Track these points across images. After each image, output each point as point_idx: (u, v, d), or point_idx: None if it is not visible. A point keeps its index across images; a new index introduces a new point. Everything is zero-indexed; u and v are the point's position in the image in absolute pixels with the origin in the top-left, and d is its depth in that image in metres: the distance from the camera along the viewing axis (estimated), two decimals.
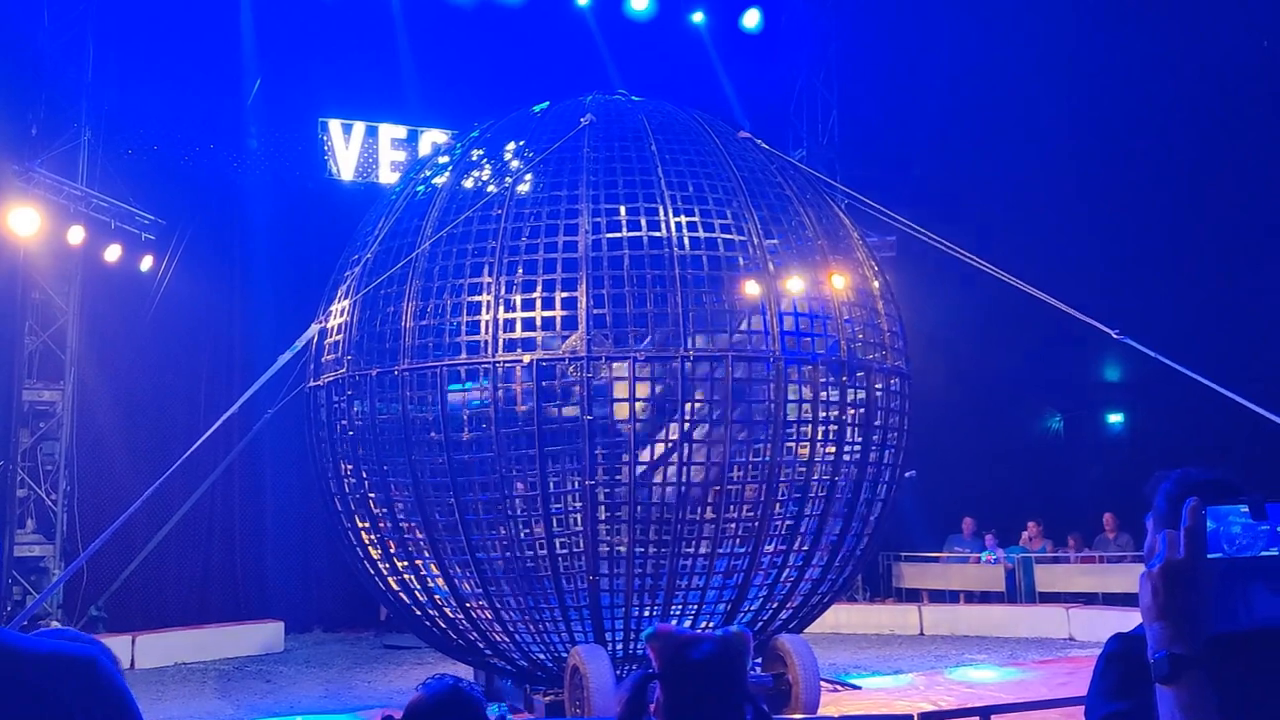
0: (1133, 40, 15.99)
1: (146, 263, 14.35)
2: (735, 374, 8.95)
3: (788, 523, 9.28)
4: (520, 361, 8.86)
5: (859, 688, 10.80)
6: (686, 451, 8.97)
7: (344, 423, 9.68)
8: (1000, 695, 10.38)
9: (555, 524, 9.07)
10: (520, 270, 9.09)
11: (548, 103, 10.57)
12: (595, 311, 8.89)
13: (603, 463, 9.17)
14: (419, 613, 9.76)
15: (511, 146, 10.24)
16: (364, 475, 9.57)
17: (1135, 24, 16.00)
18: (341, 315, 9.72)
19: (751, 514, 9.09)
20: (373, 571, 9.88)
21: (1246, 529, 1.64)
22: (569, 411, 9.04)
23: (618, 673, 8.45)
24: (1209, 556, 1.63)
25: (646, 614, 8.95)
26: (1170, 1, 15.62)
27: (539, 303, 8.93)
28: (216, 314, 15.87)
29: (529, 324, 8.96)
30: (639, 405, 8.93)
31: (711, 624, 9.11)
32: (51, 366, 14.21)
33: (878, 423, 9.70)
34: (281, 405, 9.92)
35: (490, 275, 9.01)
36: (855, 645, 14.30)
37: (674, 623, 8.68)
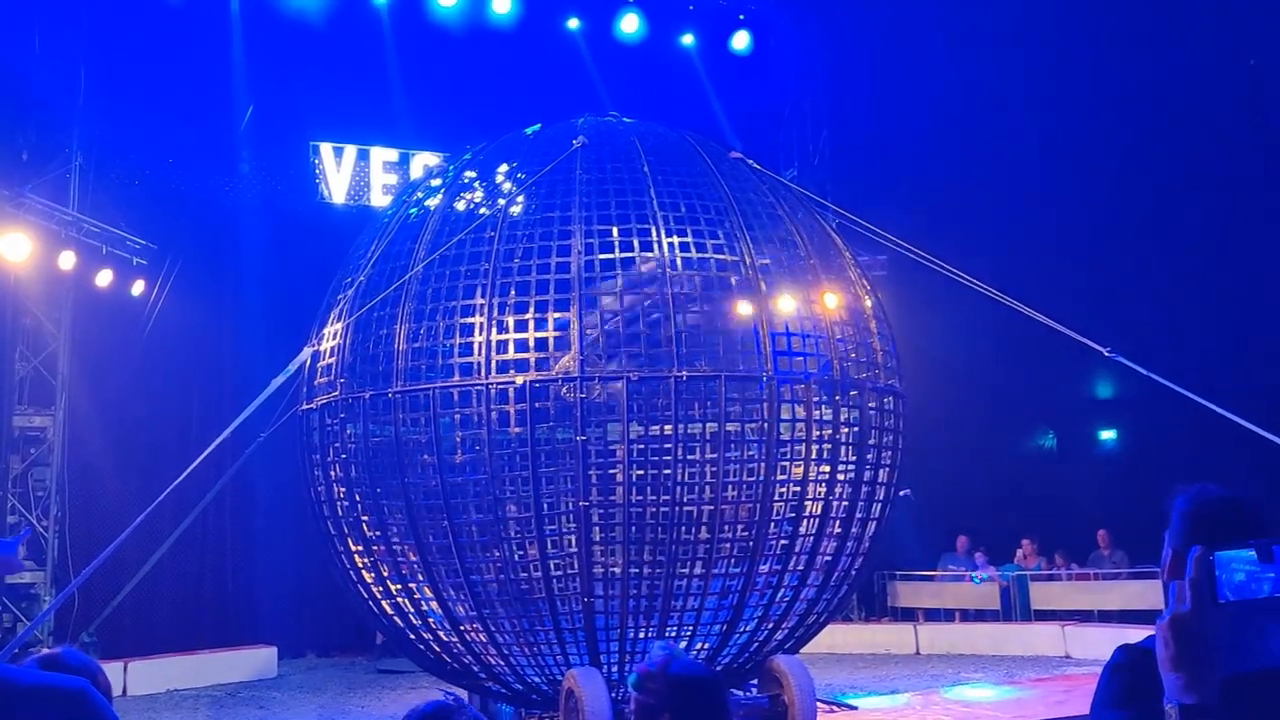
0: (1120, 58, 16.11)
1: (138, 288, 14.34)
2: (728, 393, 8.95)
3: (782, 542, 9.25)
4: (513, 383, 8.85)
5: (855, 708, 10.75)
6: (681, 472, 8.96)
7: (337, 445, 9.65)
8: (997, 714, 10.36)
9: (550, 545, 9.04)
10: (513, 292, 9.07)
11: (539, 125, 10.60)
12: (588, 332, 8.90)
13: (596, 483, 9.15)
14: (413, 636, 9.71)
15: (504, 168, 10.27)
16: (357, 498, 9.53)
17: (1122, 41, 16.12)
18: (334, 338, 9.71)
19: (746, 534, 9.06)
20: (366, 595, 9.84)
21: (1251, 575, 1.62)
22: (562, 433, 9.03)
23: (613, 695, 8.40)
24: (1219, 602, 1.62)
25: (642, 635, 8.90)
26: (1157, 20, 15.73)
27: (532, 324, 8.93)
28: (208, 338, 15.84)
29: (522, 345, 8.96)
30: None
31: (707, 645, 9.08)
32: (42, 392, 14.17)
33: (872, 441, 9.69)
34: (274, 429, 9.89)
35: (483, 297, 9.00)
36: (851, 665, 14.25)
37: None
